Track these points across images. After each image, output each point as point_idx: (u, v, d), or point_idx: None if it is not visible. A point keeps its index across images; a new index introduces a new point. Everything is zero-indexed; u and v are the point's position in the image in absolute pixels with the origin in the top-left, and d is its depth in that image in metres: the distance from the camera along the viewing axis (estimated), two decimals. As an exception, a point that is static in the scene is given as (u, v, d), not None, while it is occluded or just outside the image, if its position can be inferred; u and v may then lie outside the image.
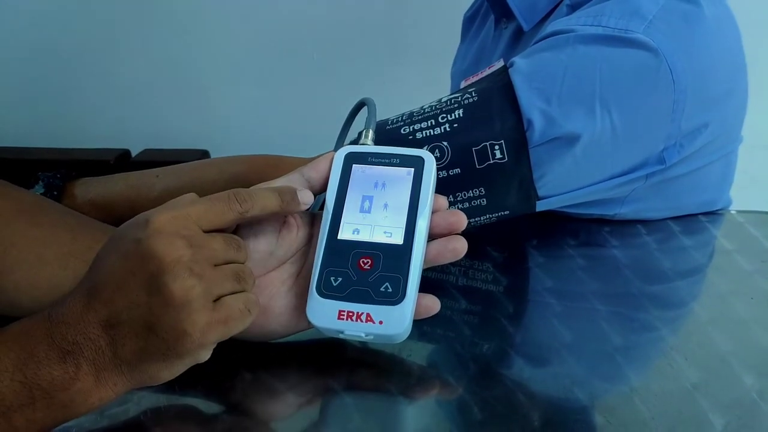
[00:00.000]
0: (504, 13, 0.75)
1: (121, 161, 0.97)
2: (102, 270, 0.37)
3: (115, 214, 0.64)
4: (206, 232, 0.39)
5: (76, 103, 1.42)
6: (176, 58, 1.38)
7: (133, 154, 1.03)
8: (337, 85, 1.30)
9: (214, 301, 0.38)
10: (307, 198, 0.44)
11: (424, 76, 1.13)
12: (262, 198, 0.42)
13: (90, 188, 0.65)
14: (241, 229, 0.44)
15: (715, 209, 0.69)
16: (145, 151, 1.07)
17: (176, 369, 0.38)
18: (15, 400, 0.35)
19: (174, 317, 0.36)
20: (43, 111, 1.41)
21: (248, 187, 0.46)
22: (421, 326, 0.49)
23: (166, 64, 1.39)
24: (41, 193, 0.63)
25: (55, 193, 0.63)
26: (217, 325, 0.37)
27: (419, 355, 0.48)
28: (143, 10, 1.35)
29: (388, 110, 0.60)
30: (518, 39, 0.73)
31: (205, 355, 0.39)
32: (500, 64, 0.64)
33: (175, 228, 0.37)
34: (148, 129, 1.40)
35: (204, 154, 1.05)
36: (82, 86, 1.41)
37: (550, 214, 0.63)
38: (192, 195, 0.41)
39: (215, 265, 0.38)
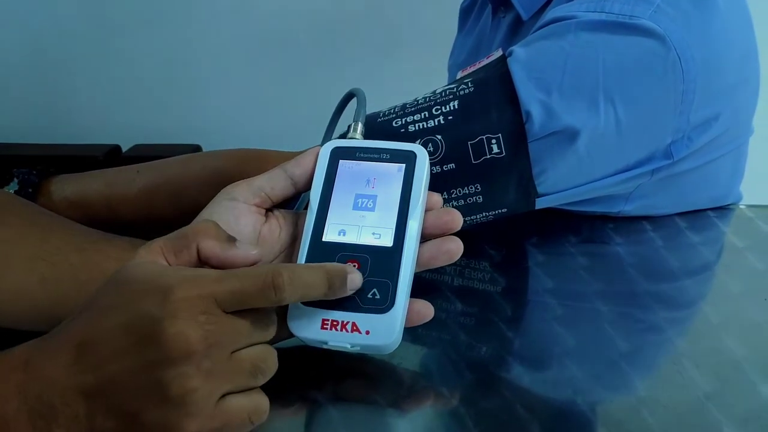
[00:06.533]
0: (502, 2, 0.73)
1: (111, 157, 0.95)
2: (99, 327, 0.33)
3: (91, 213, 0.61)
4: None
5: (65, 97, 1.40)
6: (167, 52, 1.37)
7: (124, 149, 1.01)
8: (331, 78, 1.27)
9: (221, 397, 0.34)
10: (355, 283, 0.38)
11: (420, 68, 1.12)
12: (304, 286, 0.36)
13: (66, 186, 0.63)
14: None
15: (724, 204, 0.66)
16: (136, 147, 1.05)
17: None
18: None
19: (163, 415, 0.32)
20: (31, 106, 1.40)
21: (230, 183, 0.43)
22: (413, 330, 0.46)
23: (157, 58, 1.38)
24: (15, 191, 0.60)
25: (30, 190, 0.61)
26: None
27: (411, 362, 0.45)
28: (133, 5, 1.34)
29: (382, 104, 0.58)
30: (517, 29, 0.71)
31: None
32: (498, 53, 0.62)
33: (194, 313, 0.33)
34: (139, 124, 1.38)
35: (196, 149, 1.04)
36: (71, 81, 1.39)
37: (551, 210, 0.61)
38: (218, 272, 0.35)
39: (234, 351, 0.34)
